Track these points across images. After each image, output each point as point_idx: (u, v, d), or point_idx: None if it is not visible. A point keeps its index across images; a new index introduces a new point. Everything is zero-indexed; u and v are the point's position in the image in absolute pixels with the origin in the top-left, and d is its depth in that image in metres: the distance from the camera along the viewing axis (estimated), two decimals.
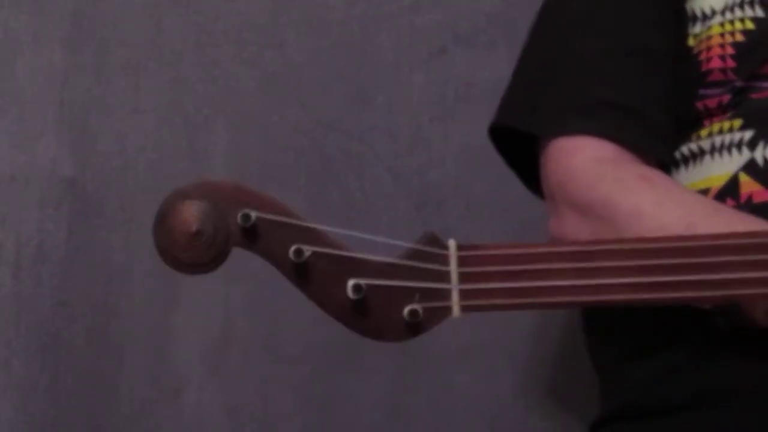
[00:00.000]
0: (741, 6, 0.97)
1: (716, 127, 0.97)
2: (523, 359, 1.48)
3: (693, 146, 0.98)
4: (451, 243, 0.76)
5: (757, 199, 0.93)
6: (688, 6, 1.00)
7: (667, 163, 0.99)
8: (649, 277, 0.73)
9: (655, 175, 0.94)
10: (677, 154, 0.99)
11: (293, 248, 0.71)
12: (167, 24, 1.48)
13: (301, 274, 0.72)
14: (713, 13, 0.99)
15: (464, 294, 0.73)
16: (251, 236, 0.73)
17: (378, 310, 0.75)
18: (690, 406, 0.92)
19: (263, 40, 1.48)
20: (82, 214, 1.47)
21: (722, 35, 0.97)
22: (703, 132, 0.98)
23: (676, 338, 0.93)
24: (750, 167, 0.94)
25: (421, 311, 0.72)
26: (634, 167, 0.94)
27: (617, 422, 1.00)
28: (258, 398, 1.47)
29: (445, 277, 0.74)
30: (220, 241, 0.71)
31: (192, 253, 0.73)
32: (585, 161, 0.94)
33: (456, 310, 0.73)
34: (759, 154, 0.94)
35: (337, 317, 0.74)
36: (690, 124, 0.99)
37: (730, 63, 0.96)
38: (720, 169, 0.95)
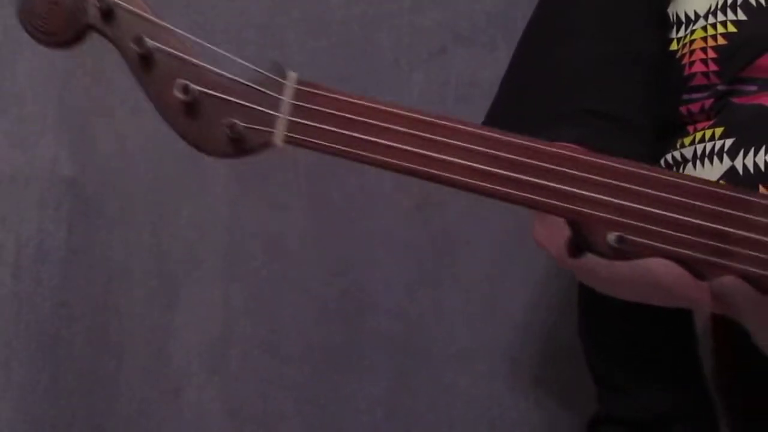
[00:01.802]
0: (723, 10, 0.98)
1: (699, 135, 0.98)
2: (523, 359, 1.48)
3: (677, 154, 0.99)
4: (292, 74, 0.76)
5: None
6: (671, 11, 1.01)
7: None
8: (492, 167, 0.75)
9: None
10: (662, 162, 1.00)
11: (136, 37, 0.77)
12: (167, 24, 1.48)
13: (142, 64, 0.78)
14: (697, 17, 0.99)
15: (291, 126, 0.75)
16: (106, 18, 0.76)
17: (205, 118, 0.78)
18: (679, 417, 0.93)
19: (263, 40, 1.48)
20: (82, 214, 1.47)
21: (705, 39, 0.98)
22: (687, 139, 0.99)
23: (670, 350, 0.94)
24: (730, 176, 0.94)
25: (242, 128, 0.76)
26: None
27: (613, 425, 1.00)
28: (258, 398, 1.47)
29: (276, 104, 0.75)
30: (75, 14, 0.75)
31: (48, 21, 0.75)
32: None
33: (278, 138, 0.76)
34: (739, 163, 0.94)
35: (163, 115, 0.78)
36: (676, 129, 1.00)
37: (713, 67, 0.97)
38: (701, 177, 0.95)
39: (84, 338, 1.47)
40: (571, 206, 0.73)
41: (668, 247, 0.74)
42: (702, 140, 0.98)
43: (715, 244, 0.74)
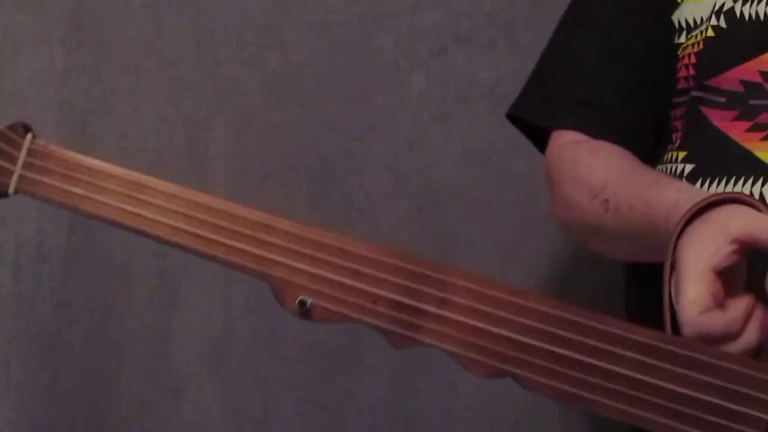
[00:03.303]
0: (715, 15, 0.99)
1: (669, 154, 1.02)
2: None
3: (660, 167, 1.02)
4: (30, 135, 0.89)
5: None
6: (675, 18, 1.03)
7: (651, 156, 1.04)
8: (190, 226, 0.84)
9: (603, 147, 1.01)
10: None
11: None
12: (167, 24, 1.48)
13: None
14: (696, 24, 1.01)
15: (22, 179, 0.88)
16: None
17: None
18: None
19: (263, 40, 1.48)
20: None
21: (693, 45, 1.01)
22: (665, 156, 1.03)
23: None
24: None
25: None
26: (590, 144, 1.02)
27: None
28: (258, 398, 1.47)
29: (13, 159, 0.88)
30: None
31: None
32: (558, 146, 1.04)
33: (11, 190, 0.89)
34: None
35: None
36: (667, 136, 1.04)
37: (691, 71, 1.00)
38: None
39: (84, 338, 1.47)
40: (262, 269, 0.82)
41: (359, 316, 0.80)
42: (670, 160, 1.01)
43: (407, 318, 0.80)
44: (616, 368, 0.76)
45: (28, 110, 1.47)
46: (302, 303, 0.80)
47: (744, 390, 0.74)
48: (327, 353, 1.47)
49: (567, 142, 1.03)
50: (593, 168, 0.98)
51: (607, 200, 0.94)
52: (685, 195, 0.86)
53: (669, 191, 0.89)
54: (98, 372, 1.47)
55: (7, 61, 1.47)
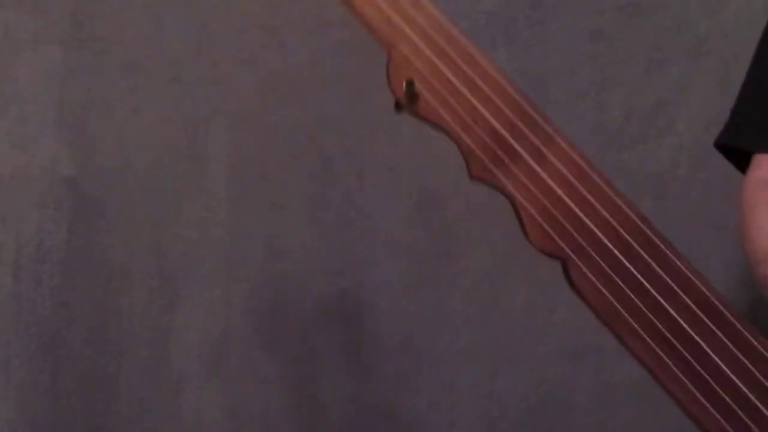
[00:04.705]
0: None
1: None
2: (523, 359, 1.48)
3: None
4: None
5: None
6: None
7: None
8: None
9: None
10: None
11: None
12: (167, 24, 1.48)
13: None
14: None
15: None
16: None
17: None
18: None
19: (263, 40, 1.48)
20: (82, 214, 1.47)
21: None
22: None
23: None
24: None
25: None
26: None
27: None
28: (258, 398, 1.47)
29: None
30: None
31: None
32: (755, 178, 1.00)
33: None
34: None
35: None
36: None
37: None
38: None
39: (84, 338, 1.47)
40: (392, 37, 0.76)
41: (453, 126, 0.76)
42: None
43: (499, 153, 0.76)
44: (676, 315, 0.71)
45: (28, 110, 1.47)
46: (410, 84, 0.76)
47: None
48: (327, 353, 1.47)
49: (765, 180, 0.99)
50: (763, 227, 0.94)
51: (765, 275, 0.91)
52: None
53: None
54: (98, 372, 1.46)
55: (7, 61, 1.47)
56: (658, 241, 0.73)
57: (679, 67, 1.45)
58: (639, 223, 0.74)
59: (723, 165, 1.08)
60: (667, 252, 0.73)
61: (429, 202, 1.48)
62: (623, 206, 0.74)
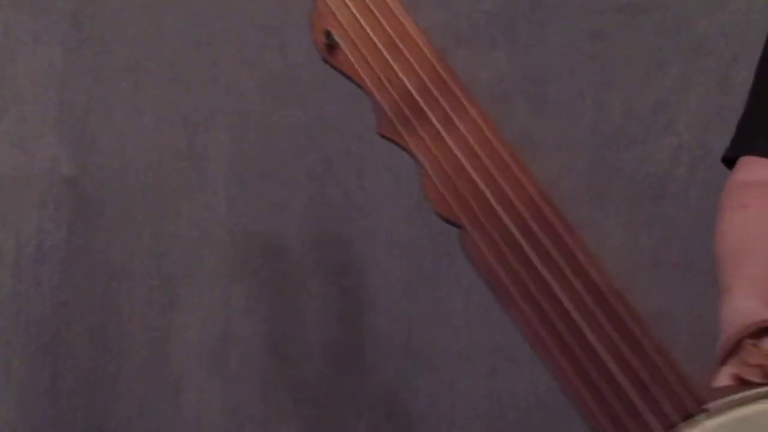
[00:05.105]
0: None
1: None
2: (523, 359, 1.48)
3: None
4: None
5: None
6: None
7: None
8: None
9: (756, 205, 0.97)
10: None
11: None
12: (167, 24, 1.48)
13: None
14: None
15: None
16: None
17: None
18: None
19: (263, 40, 1.48)
20: (82, 214, 1.47)
21: None
22: None
23: None
24: None
25: None
26: (749, 196, 0.98)
27: None
28: (258, 398, 1.47)
29: None
30: None
31: None
32: (733, 182, 1.00)
33: None
34: None
35: None
36: None
37: None
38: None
39: (84, 338, 1.47)
40: None
41: (367, 81, 0.78)
42: None
43: (407, 113, 0.78)
44: (558, 290, 0.73)
45: (28, 110, 1.47)
46: (329, 35, 0.77)
47: (655, 389, 0.71)
48: (327, 353, 1.47)
49: (740, 183, 1.00)
50: (724, 233, 0.95)
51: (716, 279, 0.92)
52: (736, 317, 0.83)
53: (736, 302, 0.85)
54: (98, 372, 1.47)
55: (7, 61, 1.47)
56: (556, 222, 0.74)
57: (679, 67, 1.45)
58: (538, 201, 0.74)
59: (722, 165, 1.08)
60: (563, 234, 0.74)
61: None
62: (526, 184, 0.75)
